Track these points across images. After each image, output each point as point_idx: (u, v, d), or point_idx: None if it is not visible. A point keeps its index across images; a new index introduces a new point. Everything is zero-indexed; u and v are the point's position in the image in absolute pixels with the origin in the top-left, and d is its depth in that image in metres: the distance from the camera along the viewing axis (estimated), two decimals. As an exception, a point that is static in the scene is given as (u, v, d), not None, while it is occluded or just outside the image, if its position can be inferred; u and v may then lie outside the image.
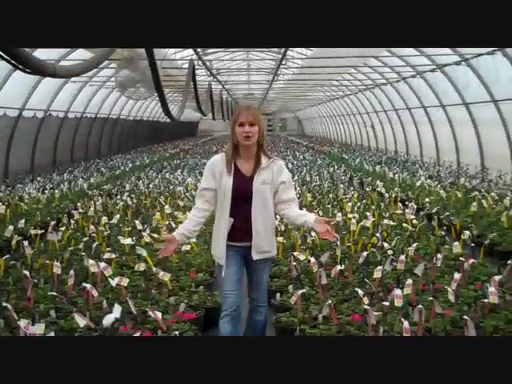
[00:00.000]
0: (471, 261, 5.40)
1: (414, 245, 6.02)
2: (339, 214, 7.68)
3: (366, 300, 4.34)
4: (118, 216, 7.90)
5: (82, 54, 11.78)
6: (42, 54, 9.70)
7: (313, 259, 5.29)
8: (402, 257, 5.37)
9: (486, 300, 4.36)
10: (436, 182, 12.07)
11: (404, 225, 7.26)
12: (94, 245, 6.15)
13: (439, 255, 5.52)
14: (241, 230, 3.76)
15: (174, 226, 7.08)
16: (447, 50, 12.10)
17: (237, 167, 3.79)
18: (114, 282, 4.64)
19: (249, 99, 32.82)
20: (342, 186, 11.82)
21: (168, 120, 24.15)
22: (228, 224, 3.75)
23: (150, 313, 4.14)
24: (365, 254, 5.53)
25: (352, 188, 11.72)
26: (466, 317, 3.83)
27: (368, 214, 7.68)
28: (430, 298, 4.26)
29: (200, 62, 13.88)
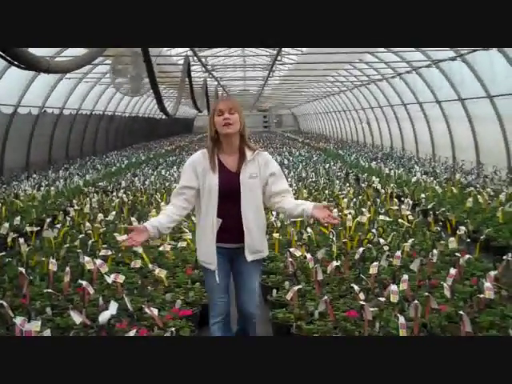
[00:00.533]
0: (467, 256, 5.41)
1: (410, 240, 6.02)
2: (335, 210, 7.68)
3: (362, 296, 4.35)
4: (113, 213, 7.90)
5: (76, 50, 11.75)
6: (36, 49, 9.67)
7: (309, 255, 5.29)
8: (398, 252, 5.38)
9: (481, 295, 4.37)
10: (432, 178, 12.08)
11: (400, 220, 7.27)
12: (90, 242, 6.15)
13: (435, 251, 5.53)
14: (229, 230, 3.51)
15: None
16: (442, 46, 12.12)
17: (221, 163, 3.54)
18: (110, 279, 4.63)
19: (244, 95, 32.80)
20: (337, 182, 11.83)
21: (164, 116, 24.14)
22: (216, 225, 3.49)
23: (147, 309, 4.14)
24: (361, 249, 5.54)
25: (348, 184, 11.73)
26: (461, 312, 3.84)
27: (364, 209, 7.69)
28: (426, 294, 4.26)
29: (195, 58, 13.85)
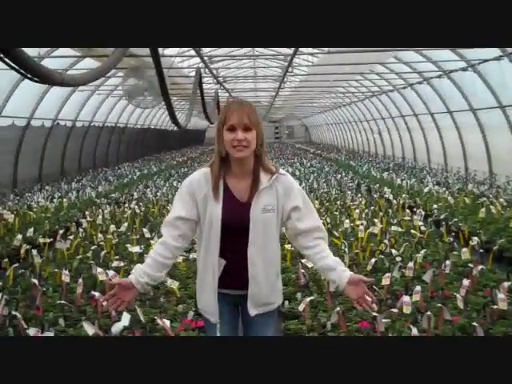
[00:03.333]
0: (480, 267, 5.38)
1: (423, 251, 6.00)
2: (347, 221, 7.67)
3: (374, 307, 4.33)
4: (126, 224, 7.93)
5: (89, 63, 11.89)
6: (49, 62, 9.78)
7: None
8: (411, 263, 5.36)
9: (495, 306, 4.35)
10: (444, 189, 12.04)
11: (412, 231, 7.25)
12: (103, 253, 6.18)
13: (448, 262, 5.51)
14: (234, 273, 2.77)
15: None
16: (454, 56, 12.11)
17: (227, 188, 2.73)
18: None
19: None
20: (349, 192, 11.82)
21: (175, 128, 24.25)
22: (218, 268, 2.75)
23: (159, 321, 4.14)
24: (373, 260, 5.53)
25: (360, 195, 11.72)
26: (475, 323, 3.82)
27: (376, 220, 7.67)
28: (439, 305, 4.24)
29: (207, 70, 13.92)
